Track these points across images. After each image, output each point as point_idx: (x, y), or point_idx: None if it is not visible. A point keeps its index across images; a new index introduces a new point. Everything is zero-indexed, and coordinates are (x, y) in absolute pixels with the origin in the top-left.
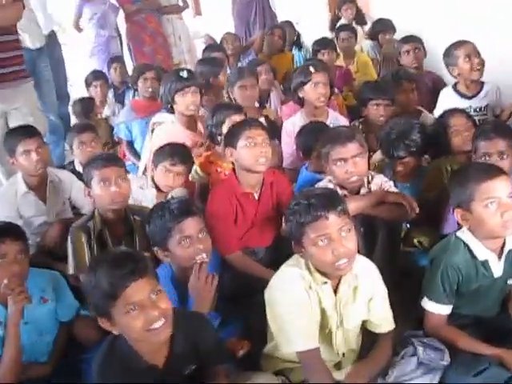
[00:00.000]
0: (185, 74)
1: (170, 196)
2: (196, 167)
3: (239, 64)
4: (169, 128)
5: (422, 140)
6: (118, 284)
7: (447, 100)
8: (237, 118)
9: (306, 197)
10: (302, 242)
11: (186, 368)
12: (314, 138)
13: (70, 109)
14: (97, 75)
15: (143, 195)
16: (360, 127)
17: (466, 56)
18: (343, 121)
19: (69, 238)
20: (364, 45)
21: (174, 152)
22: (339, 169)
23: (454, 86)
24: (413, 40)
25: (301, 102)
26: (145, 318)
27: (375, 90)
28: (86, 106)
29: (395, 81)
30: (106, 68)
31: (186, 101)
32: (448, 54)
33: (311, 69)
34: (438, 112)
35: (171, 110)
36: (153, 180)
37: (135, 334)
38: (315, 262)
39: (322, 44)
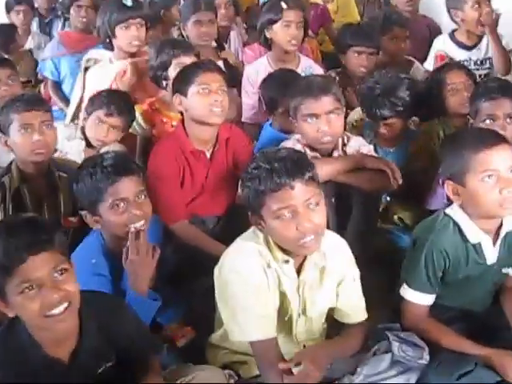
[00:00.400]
0: (129, 2)
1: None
2: (137, 116)
3: None
4: (106, 68)
5: (411, 98)
6: (14, 256)
7: (442, 50)
8: (186, 59)
9: (267, 160)
10: (260, 214)
11: (99, 365)
12: (282, 89)
13: None
14: None
15: (70, 148)
16: (337, 79)
17: (476, 2)
18: (317, 69)
19: None
20: None
21: (112, 100)
22: (310, 126)
23: (452, 34)
24: None
25: (267, 45)
26: (42, 300)
27: (357, 34)
28: (7, 34)
29: (384, 25)
30: None
31: (129, 35)
32: None
33: (283, 5)
34: (429, 64)
35: (109, 46)
36: (83, 131)
37: (31, 318)
38: (276, 237)
39: None
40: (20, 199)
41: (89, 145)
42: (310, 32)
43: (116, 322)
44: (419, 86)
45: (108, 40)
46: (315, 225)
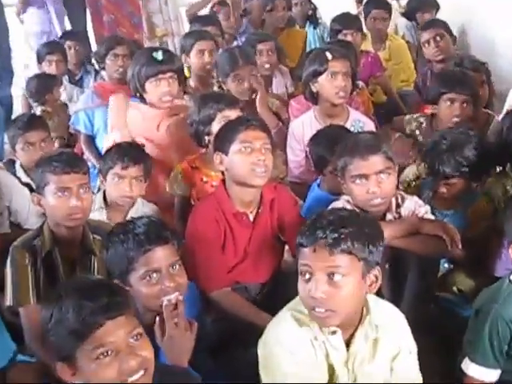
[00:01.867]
0: (160, 56)
1: (130, 216)
2: (176, 174)
3: (235, 43)
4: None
5: (477, 159)
6: (90, 320)
7: None
8: (231, 113)
9: (339, 217)
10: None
11: None
12: (331, 146)
13: (12, 90)
14: (53, 47)
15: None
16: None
17: None
18: (368, 123)
19: (8, 259)
20: (399, 25)
21: (123, 152)
22: (358, 188)
23: None
24: (434, 25)
25: (314, 99)
26: (120, 367)
27: (450, 80)
28: (45, 83)
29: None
30: None
31: (160, 90)
32: None
33: (328, 55)
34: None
35: (141, 100)
36: (104, 199)
37: None
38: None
39: (344, 22)
40: (52, 263)
41: (113, 209)
42: (359, 82)
43: None
44: (490, 145)
45: (139, 94)
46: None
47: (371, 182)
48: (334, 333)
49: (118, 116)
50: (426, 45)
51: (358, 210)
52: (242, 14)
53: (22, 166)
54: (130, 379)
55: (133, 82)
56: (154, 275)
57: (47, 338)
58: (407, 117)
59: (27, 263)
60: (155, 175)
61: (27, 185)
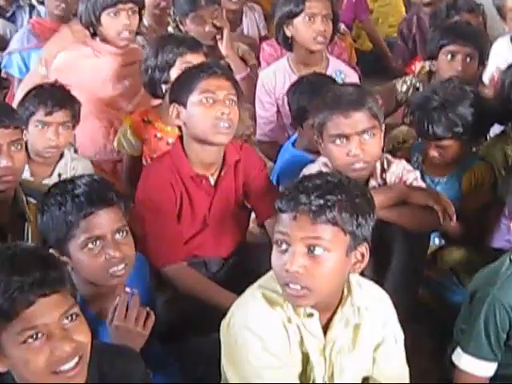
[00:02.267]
0: None
1: (58, 171)
2: (125, 128)
3: None
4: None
5: (474, 118)
6: (19, 297)
7: (502, 57)
8: (194, 59)
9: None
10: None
11: None
12: (314, 96)
13: None
14: None
15: None
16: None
17: None
18: (350, 74)
19: None
20: None
21: (47, 94)
22: (338, 149)
23: None
24: None
25: (288, 44)
26: (51, 352)
27: (451, 31)
28: None
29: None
30: None
31: (118, 24)
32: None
33: None
34: (488, 75)
35: (92, 36)
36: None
37: (33, 375)
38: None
39: None
40: None
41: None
42: (341, 26)
43: (128, 376)
44: (488, 103)
45: (92, 30)
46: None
47: (353, 143)
48: (310, 315)
49: (56, 48)
50: None
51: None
52: None
53: None
54: (62, 367)
55: (85, 13)
56: (97, 243)
57: None
58: (398, 81)
59: None
60: (97, 129)
61: None
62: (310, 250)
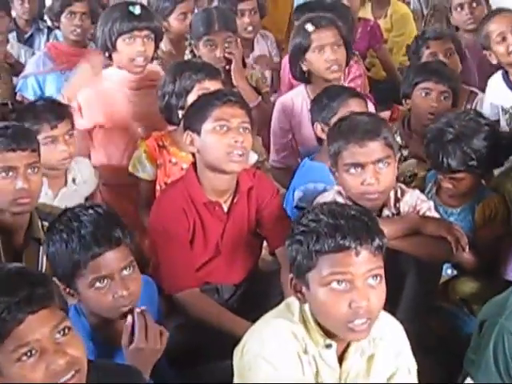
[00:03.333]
0: (137, 10)
1: (70, 179)
2: (140, 153)
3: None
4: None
5: (488, 151)
6: (8, 316)
7: (496, 93)
8: (212, 86)
9: (331, 213)
10: (306, 278)
11: None
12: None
13: None
14: None
15: None
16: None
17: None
18: (369, 105)
19: None
20: None
21: (44, 110)
22: (353, 178)
23: (505, 74)
24: None
25: (304, 78)
26: (46, 368)
27: (425, 69)
28: None
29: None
30: None
31: (133, 49)
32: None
33: (308, 27)
34: (485, 108)
35: (108, 58)
36: None
37: None
38: (320, 311)
39: None
40: None
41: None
42: (356, 53)
43: None
44: (503, 135)
45: (108, 54)
46: (373, 306)
47: (368, 172)
48: (329, 346)
49: (77, 87)
50: (459, 9)
51: (350, 204)
52: None
53: None
54: (60, 381)
55: (102, 38)
56: (105, 282)
57: None
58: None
59: None
60: (113, 153)
61: None
62: (374, 280)
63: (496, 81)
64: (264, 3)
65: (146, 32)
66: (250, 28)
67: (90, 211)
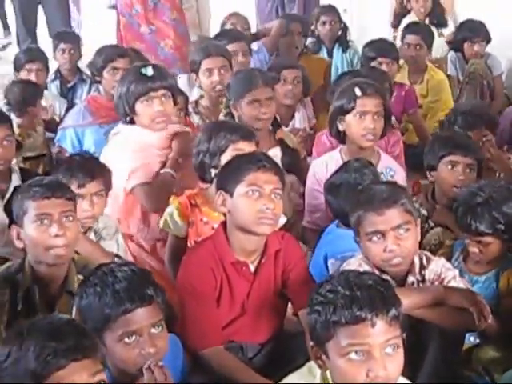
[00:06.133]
0: (149, 71)
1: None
2: (172, 210)
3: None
4: (134, 138)
5: None
6: (52, 360)
7: None
8: (246, 147)
9: (348, 284)
10: (325, 347)
11: None
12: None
13: None
14: (33, 55)
15: None
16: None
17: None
18: (399, 172)
19: None
20: (441, 56)
21: (75, 167)
22: (375, 246)
23: None
24: None
25: (339, 138)
26: None
27: (453, 142)
28: (29, 94)
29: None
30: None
31: (152, 110)
32: None
33: (357, 91)
34: None
35: (130, 123)
36: None
37: None
38: (339, 379)
39: (379, 49)
40: (31, 301)
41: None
42: (393, 119)
43: None
44: None
45: (129, 118)
46: (390, 375)
47: (388, 239)
48: None
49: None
50: None
51: (375, 271)
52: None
53: None
54: None
55: (120, 104)
56: (133, 337)
57: (1, 378)
58: None
59: (5, 300)
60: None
61: None
62: (391, 349)
63: None
64: (307, 77)
65: (161, 91)
66: (290, 95)
67: (125, 268)
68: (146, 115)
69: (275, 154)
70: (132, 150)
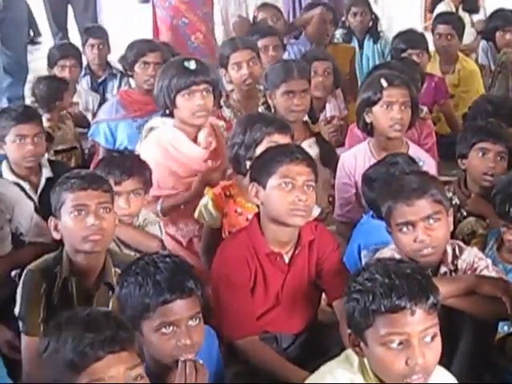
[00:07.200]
0: (192, 65)
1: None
2: (206, 201)
3: (286, 54)
4: (166, 136)
5: None
6: (89, 352)
7: None
8: (281, 139)
9: (386, 273)
10: (363, 335)
11: None
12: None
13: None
14: (66, 50)
15: None
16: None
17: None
18: (429, 163)
19: (21, 282)
20: (473, 45)
21: (112, 165)
22: (406, 237)
23: None
24: None
25: (367, 130)
26: None
27: (484, 130)
28: (54, 89)
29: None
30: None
31: (193, 104)
32: None
33: (383, 82)
34: None
35: (169, 116)
36: None
37: None
38: (377, 367)
39: (410, 41)
40: (68, 293)
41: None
42: (425, 109)
43: None
44: None
45: (168, 111)
46: (428, 362)
47: (419, 230)
48: None
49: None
50: None
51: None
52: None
53: (9, 167)
54: None
55: (161, 96)
56: (171, 328)
57: (41, 369)
58: None
59: (42, 293)
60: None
61: (17, 184)
62: (429, 338)
63: None
64: (338, 68)
65: (203, 86)
66: (320, 87)
67: (167, 259)
68: (187, 109)
69: (309, 144)
70: (162, 156)
